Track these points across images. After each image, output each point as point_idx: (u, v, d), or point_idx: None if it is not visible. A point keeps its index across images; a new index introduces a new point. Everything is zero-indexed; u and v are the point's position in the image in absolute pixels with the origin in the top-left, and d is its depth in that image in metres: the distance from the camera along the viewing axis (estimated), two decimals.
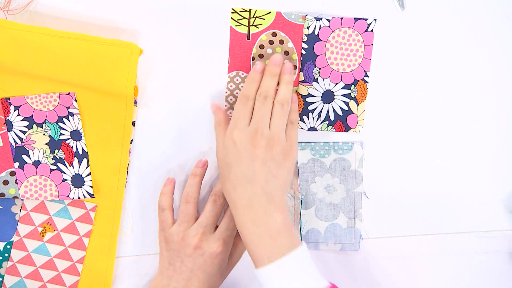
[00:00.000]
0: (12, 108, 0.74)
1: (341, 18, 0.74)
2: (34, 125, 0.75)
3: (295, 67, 0.75)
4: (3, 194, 0.75)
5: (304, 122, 0.76)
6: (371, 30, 0.75)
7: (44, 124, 0.75)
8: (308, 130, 0.76)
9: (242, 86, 0.75)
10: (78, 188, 0.75)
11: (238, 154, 0.68)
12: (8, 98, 0.74)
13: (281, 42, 0.75)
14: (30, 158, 0.75)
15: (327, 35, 0.74)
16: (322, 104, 0.76)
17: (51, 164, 0.75)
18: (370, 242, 0.79)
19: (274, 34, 0.75)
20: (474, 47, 0.76)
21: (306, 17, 0.74)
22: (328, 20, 0.74)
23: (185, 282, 0.71)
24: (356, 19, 0.74)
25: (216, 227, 0.74)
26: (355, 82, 0.76)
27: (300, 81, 0.75)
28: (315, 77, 0.75)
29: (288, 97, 0.71)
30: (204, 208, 0.74)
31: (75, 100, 0.74)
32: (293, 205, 0.78)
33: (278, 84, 0.72)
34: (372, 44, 0.75)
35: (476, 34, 0.76)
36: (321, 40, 0.74)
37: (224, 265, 0.73)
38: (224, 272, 0.74)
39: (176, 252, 0.72)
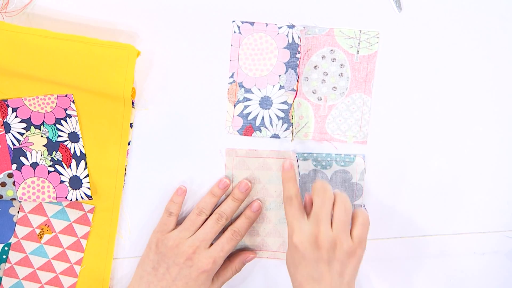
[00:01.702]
0: (10, 110, 0.74)
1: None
2: (32, 127, 0.75)
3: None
4: (1, 196, 0.75)
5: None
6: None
7: (42, 126, 0.75)
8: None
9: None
10: (76, 189, 0.75)
11: (302, 256, 0.69)
12: (6, 100, 0.74)
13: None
14: (28, 160, 0.75)
15: None
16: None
17: (49, 166, 0.75)
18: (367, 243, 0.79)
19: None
20: (472, 48, 0.76)
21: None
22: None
23: None
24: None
25: (211, 244, 0.74)
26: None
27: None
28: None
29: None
30: (205, 224, 0.74)
31: (73, 102, 0.74)
32: None
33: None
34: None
35: (474, 34, 0.76)
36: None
37: (207, 285, 0.73)
38: None
39: (165, 257, 0.73)
